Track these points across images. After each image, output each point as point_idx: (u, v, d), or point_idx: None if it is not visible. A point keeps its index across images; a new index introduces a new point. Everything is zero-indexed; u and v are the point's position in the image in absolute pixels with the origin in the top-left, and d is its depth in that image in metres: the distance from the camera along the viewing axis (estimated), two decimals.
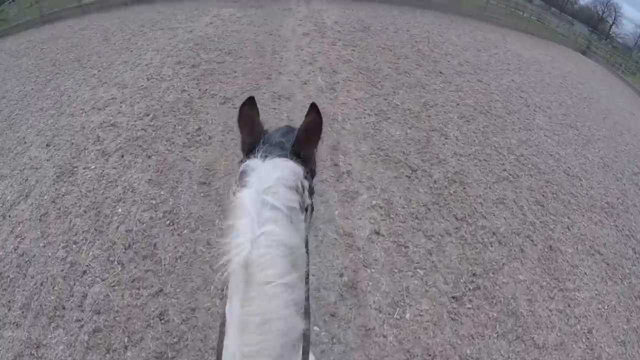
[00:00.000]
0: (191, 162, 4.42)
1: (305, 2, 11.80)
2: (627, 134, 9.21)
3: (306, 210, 0.86)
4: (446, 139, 5.62)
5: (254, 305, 0.68)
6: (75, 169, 4.28)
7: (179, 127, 5.01)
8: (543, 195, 5.13)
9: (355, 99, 5.85)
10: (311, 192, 0.91)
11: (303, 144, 0.91)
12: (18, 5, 11.64)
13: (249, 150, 0.90)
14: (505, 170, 5.44)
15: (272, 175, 0.78)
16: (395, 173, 4.65)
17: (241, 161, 0.89)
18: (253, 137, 0.93)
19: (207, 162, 4.42)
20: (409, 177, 4.67)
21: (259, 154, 0.84)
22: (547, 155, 6.30)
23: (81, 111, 5.51)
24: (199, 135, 4.86)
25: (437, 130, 5.74)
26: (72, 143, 4.74)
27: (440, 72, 7.87)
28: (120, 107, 5.51)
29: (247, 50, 7.25)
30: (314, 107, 0.93)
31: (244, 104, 0.97)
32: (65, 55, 7.71)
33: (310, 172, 0.93)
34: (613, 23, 53.66)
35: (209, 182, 4.15)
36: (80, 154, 4.55)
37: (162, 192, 3.97)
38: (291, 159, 0.85)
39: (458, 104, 6.76)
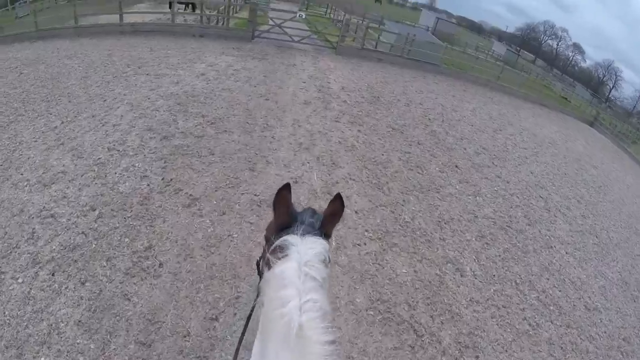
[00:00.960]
0: (132, 302, 3.20)
1: (312, 57, 11.02)
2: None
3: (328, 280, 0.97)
4: (462, 276, 4.47)
5: (311, 357, 0.77)
6: (3, 276, 3.12)
7: (126, 239, 3.80)
8: (562, 348, 4.02)
9: (356, 212, 4.72)
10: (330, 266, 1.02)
11: (328, 225, 1.06)
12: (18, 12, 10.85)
13: (283, 229, 1.02)
14: (525, 319, 4.34)
15: (310, 251, 0.92)
16: (396, 341, 3.44)
17: (272, 237, 1.03)
18: (288, 217, 1.05)
19: (151, 308, 3.18)
20: (413, 347, 3.46)
21: (298, 233, 0.97)
22: (569, 284, 5.31)
23: (26, 183, 4.34)
24: (148, 259, 3.63)
25: (452, 262, 4.60)
26: (6, 232, 3.60)
27: (456, 166, 6.84)
28: (67, 188, 4.33)
29: (235, 120, 6.18)
30: (338, 197, 1.09)
31: (281, 189, 1.07)
32: (39, 89, 6.70)
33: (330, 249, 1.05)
34: (613, 86, 54.96)
35: (149, 342, 2.91)
36: (10, 253, 3.40)
37: (91, 346, 2.77)
38: (322, 239, 0.99)
39: (476, 216, 5.67)
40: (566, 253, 6.01)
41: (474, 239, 5.16)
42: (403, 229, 4.76)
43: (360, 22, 21.18)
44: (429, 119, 8.68)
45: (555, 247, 5.99)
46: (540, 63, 58.02)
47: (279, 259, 0.92)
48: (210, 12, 15.71)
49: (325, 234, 1.05)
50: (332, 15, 27.68)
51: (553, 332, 4.23)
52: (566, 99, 32.93)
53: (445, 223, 5.19)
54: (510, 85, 16.92)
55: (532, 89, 19.25)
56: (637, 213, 11.61)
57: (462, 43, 36.97)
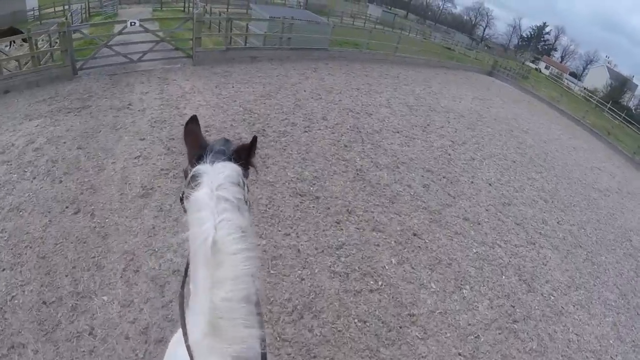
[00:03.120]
0: None
1: (159, 80, 7.27)
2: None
3: (246, 202, 1.02)
4: None
5: (224, 269, 0.84)
6: None
7: None
8: None
9: None
10: (248, 189, 1.07)
11: (240, 153, 1.06)
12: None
13: (196, 159, 1.03)
14: None
15: (220, 175, 0.95)
16: None
17: (188, 169, 1.05)
18: (198, 149, 1.06)
19: None
20: None
21: (208, 160, 0.99)
22: None
23: None
24: None
25: None
26: None
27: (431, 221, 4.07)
28: None
29: (15, 303, 2.51)
30: (254, 138, 1.10)
31: (188, 122, 1.12)
32: None
33: (246, 173, 1.08)
34: (486, 26, 59.41)
35: None
36: None
37: None
38: (232, 162, 1.01)
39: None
40: None
41: None
42: None
43: (223, 13, 17.31)
44: (345, 145, 5.91)
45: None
46: (412, 17, 59.85)
47: (193, 188, 0.95)
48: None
49: (241, 163, 1.04)
50: (192, 10, 23.05)
51: None
52: (450, 48, 33.62)
53: None
54: (409, 55, 14.97)
55: (426, 51, 17.69)
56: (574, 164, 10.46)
57: (337, 13, 35.03)
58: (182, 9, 25.15)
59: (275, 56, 10.37)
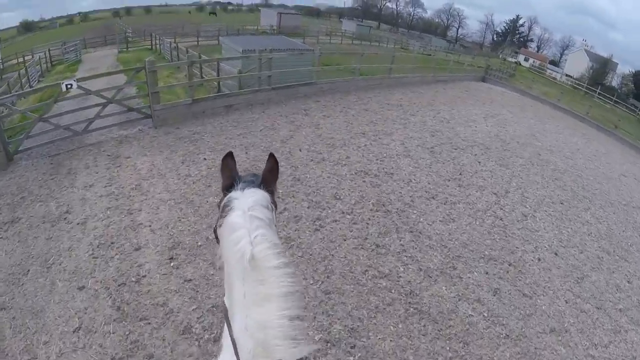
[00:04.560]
0: None
1: (109, 159, 5.41)
2: None
3: (275, 225, 1.06)
4: None
5: (270, 285, 0.86)
6: None
7: None
8: None
9: None
10: (276, 215, 1.13)
11: (267, 180, 1.15)
12: None
13: (228, 188, 1.11)
14: None
15: (250, 199, 1.02)
16: None
17: (222, 199, 1.11)
18: (232, 179, 1.13)
19: None
20: None
21: (238, 188, 1.07)
22: None
23: None
24: None
25: None
26: None
27: None
28: None
29: None
30: (271, 156, 1.19)
31: (225, 157, 1.21)
32: None
33: (274, 202, 1.13)
34: (459, 27, 59.11)
35: None
36: None
37: None
38: (261, 189, 1.09)
39: None
40: None
41: None
42: None
43: (192, 49, 15.56)
44: (377, 245, 4.13)
45: None
46: (385, 27, 59.32)
47: (226, 215, 1.01)
48: None
49: (267, 189, 1.11)
50: (160, 48, 21.16)
51: None
52: (429, 54, 32.57)
53: None
54: (404, 75, 13.42)
55: (421, 67, 16.25)
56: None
57: (312, 33, 33.76)
58: (150, 46, 23.37)
59: (254, 100, 8.58)
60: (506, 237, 5.13)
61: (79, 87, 6.15)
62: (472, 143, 8.43)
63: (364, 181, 5.65)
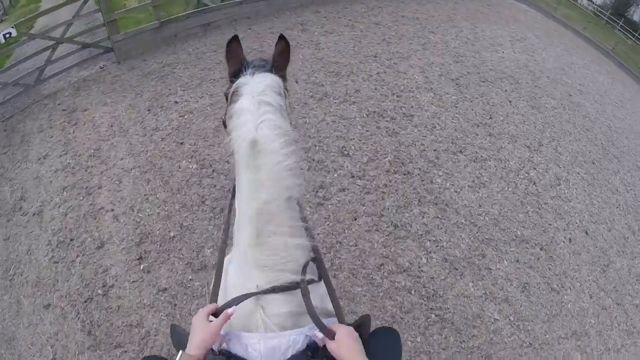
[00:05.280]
0: None
1: (64, 115, 4.06)
2: None
3: (287, 112, 1.03)
4: None
5: (265, 170, 0.85)
6: None
7: None
8: None
9: None
10: (288, 100, 1.08)
11: (278, 64, 1.08)
12: None
13: (236, 74, 1.05)
14: None
15: (261, 84, 0.96)
16: None
17: (228, 89, 1.04)
18: (239, 65, 1.07)
19: None
20: None
21: (248, 73, 1.00)
22: None
23: None
24: None
25: None
26: None
27: None
28: None
29: None
30: (282, 37, 1.10)
31: (230, 41, 1.10)
32: None
33: (286, 88, 1.07)
34: None
35: None
36: None
37: None
38: (272, 73, 1.03)
39: None
40: None
41: None
42: None
43: None
44: (395, 225, 3.21)
45: None
46: None
47: (235, 102, 0.95)
48: None
49: (278, 74, 1.04)
50: None
51: None
52: None
53: None
54: None
55: None
56: None
57: None
58: None
59: (239, 14, 6.60)
60: (539, 209, 4.28)
61: (19, 34, 4.39)
62: (501, 74, 7.05)
63: (378, 127, 4.44)
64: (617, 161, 6.27)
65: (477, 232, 3.61)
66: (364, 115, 4.58)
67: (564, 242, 4.08)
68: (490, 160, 4.62)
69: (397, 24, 7.77)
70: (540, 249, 3.82)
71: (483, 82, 6.46)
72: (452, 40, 7.89)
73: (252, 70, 1.01)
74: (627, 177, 6.00)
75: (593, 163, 5.75)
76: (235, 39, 1.10)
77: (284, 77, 1.08)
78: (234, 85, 0.99)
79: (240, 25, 6.41)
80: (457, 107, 5.41)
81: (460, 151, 4.55)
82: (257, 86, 0.94)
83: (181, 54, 5.43)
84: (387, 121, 4.59)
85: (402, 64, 6.10)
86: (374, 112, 4.68)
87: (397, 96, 5.17)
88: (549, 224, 4.17)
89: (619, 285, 4.00)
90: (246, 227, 0.86)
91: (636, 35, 24.55)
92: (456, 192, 3.95)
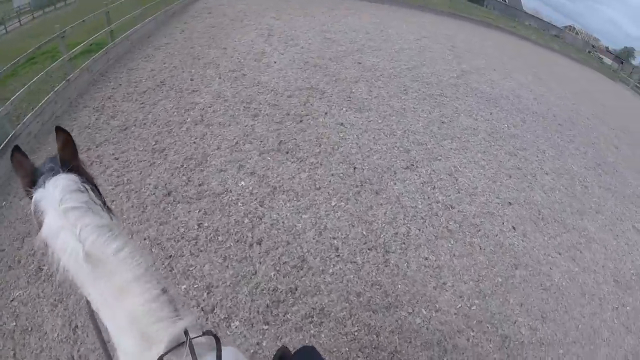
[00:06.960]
0: None
1: None
2: None
3: (104, 204, 0.94)
4: None
5: (119, 274, 0.79)
6: None
7: None
8: None
9: None
10: (98, 192, 0.98)
11: (66, 160, 0.95)
12: None
13: (30, 186, 0.93)
14: None
15: (56, 191, 0.84)
16: None
17: (30, 198, 0.92)
18: (29, 176, 0.94)
19: None
20: None
21: (40, 184, 0.88)
22: None
23: None
24: None
25: None
26: None
27: None
28: None
29: None
30: (59, 129, 0.97)
31: (13, 153, 0.98)
32: None
33: (87, 179, 0.97)
34: None
35: None
36: None
37: None
38: (63, 173, 0.90)
39: None
40: None
41: None
42: None
43: None
44: None
45: None
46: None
47: (41, 219, 0.85)
48: None
49: (70, 167, 0.94)
50: None
51: None
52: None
53: None
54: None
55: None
56: None
57: None
58: None
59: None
60: None
61: None
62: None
63: None
64: None
65: None
66: None
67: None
68: None
69: None
70: None
71: None
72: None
73: (42, 179, 0.89)
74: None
75: None
76: (16, 150, 0.97)
77: (78, 169, 0.96)
78: (32, 204, 0.88)
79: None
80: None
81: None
82: (53, 196, 0.84)
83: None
84: None
85: None
86: None
87: None
88: None
89: None
90: (128, 336, 0.80)
91: None
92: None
